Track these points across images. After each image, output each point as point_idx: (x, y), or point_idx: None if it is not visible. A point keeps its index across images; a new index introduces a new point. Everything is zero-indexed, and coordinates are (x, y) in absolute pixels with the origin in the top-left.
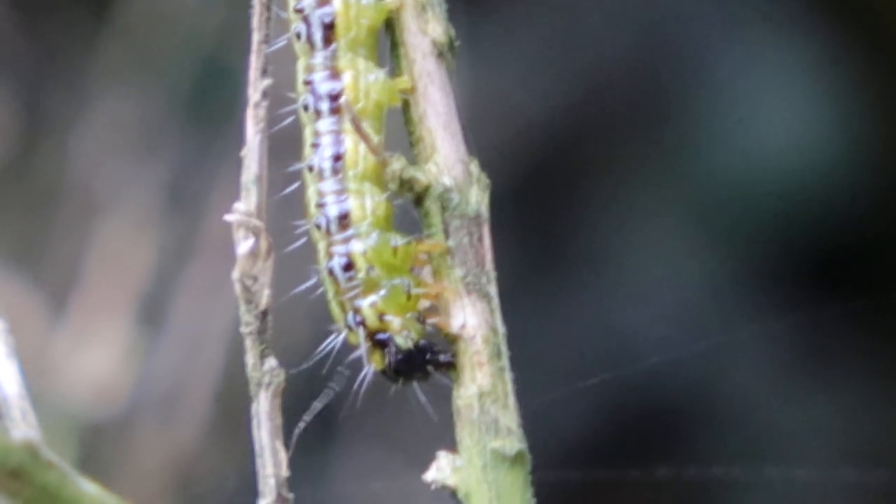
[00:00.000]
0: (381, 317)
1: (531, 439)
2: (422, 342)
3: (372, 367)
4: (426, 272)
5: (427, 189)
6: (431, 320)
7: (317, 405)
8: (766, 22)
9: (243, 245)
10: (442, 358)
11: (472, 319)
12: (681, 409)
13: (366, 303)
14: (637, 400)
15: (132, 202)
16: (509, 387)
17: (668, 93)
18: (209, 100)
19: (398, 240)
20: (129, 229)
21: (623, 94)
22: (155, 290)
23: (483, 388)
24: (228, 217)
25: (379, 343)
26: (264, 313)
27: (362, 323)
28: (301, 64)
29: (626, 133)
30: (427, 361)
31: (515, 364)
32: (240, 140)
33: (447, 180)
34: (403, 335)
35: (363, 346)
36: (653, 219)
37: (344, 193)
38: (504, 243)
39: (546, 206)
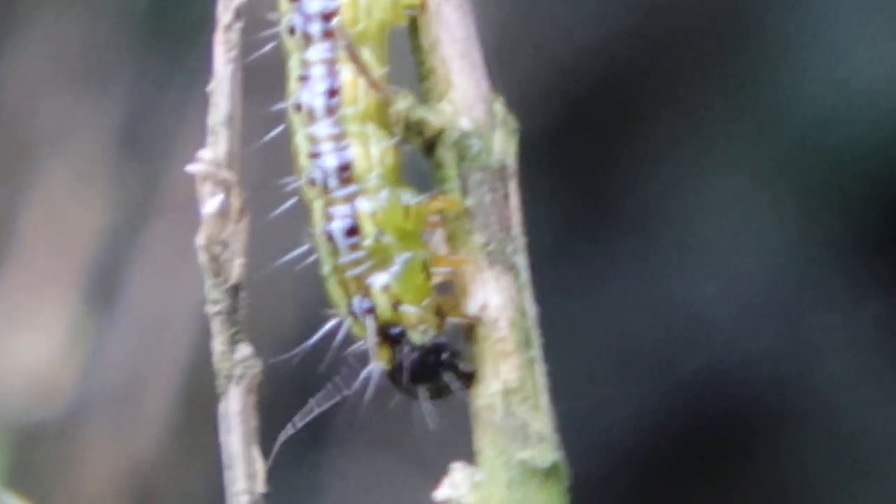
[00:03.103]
0: (395, 304)
1: (568, 450)
2: (439, 340)
3: (377, 366)
4: (438, 238)
5: (440, 134)
6: (454, 319)
7: (313, 406)
8: None
9: (210, 203)
10: (462, 366)
11: (496, 298)
12: (757, 411)
13: (377, 284)
14: (702, 401)
15: (76, 149)
16: (541, 382)
17: (743, 16)
18: (172, 19)
19: (411, 197)
20: (72, 183)
21: (688, 17)
22: (105, 258)
23: (509, 384)
24: (191, 168)
25: (388, 338)
26: (236, 288)
27: (371, 310)
28: None
29: (691, 65)
30: (444, 365)
31: (549, 355)
32: (209, 71)
33: (465, 123)
34: (420, 330)
35: (370, 339)
36: (724, 172)
37: (343, 138)
38: (535, 202)
39: (590, 155)
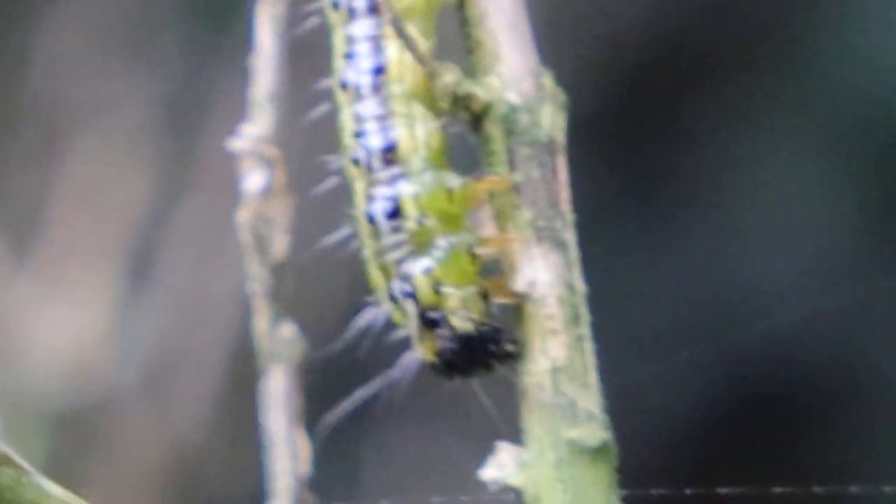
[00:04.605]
0: (437, 289)
1: (620, 428)
2: (483, 327)
3: (417, 353)
4: (485, 214)
5: (487, 108)
6: (500, 300)
7: (360, 394)
8: None
9: (252, 178)
10: (508, 347)
11: (544, 275)
12: (810, 383)
13: (419, 268)
14: (755, 375)
15: (114, 121)
16: (590, 360)
17: None
18: None
19: (455, 180)
20: (110, 156)
21: None
22: (144, 233)
23: (557, 361)
24: (233, 142)
25: (430, 324)
26: (279, 266)
27: (413, 295)
28: None
29: (744, 39)
30: (489, 352)
31: (600, 331)
32: (251, 43)
33: (513, 97)
34: (461, 315)
35: (412, 326)
36: (775, 144)
37: (389, 118)
38: (584, 178)
39: (640, 129)
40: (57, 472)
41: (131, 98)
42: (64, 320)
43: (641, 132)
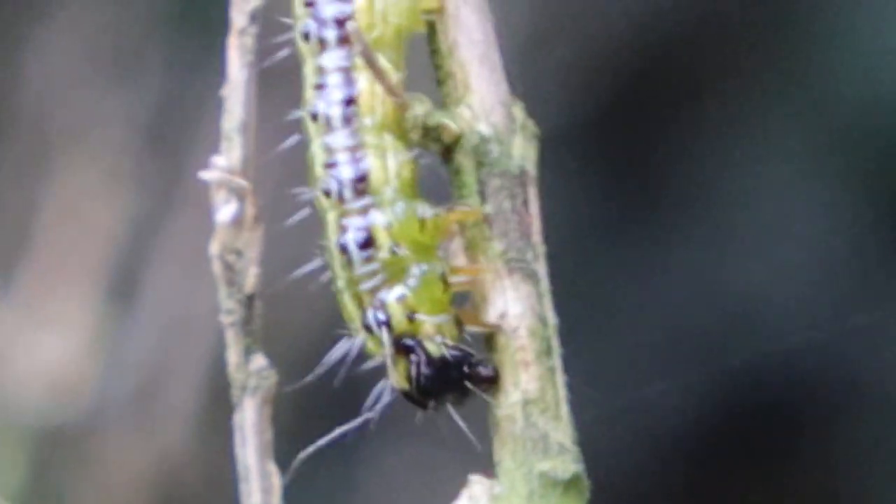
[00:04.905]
0: (411, 316)
1: (589, 462)
2: (455, 351)
3: (392, 384)
4: (456, 246)
5: (458, 139)
6: (474, 328)
7: (336, 432)
8: None
9: (224, 210)
10: (483, 371)
11: (515, 307)
12: (805, 406)
13: (392, 296)
14: (747, 397)
15: (99, 143)
16: (562, 392)
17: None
18: (199, 11)
19: (426, 210)
20: (94, 178)
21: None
22: (127, 255)
23: (529, 394)
24: (205, 174)
25: (404, 350)
26: (250, 298)
27: (387, 323)
28: None
29: (735, 50)
30: (463, 376)
31: (570, 363)
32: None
33: (484, 128)
34: (436, 341)
35: (387, 355)
36: (771, 161)
37: (360, 149)
38: (558, 207)
39: (617, 156)
40: (40, 491)
41: (116, 118)
42: (48, 339)
43: (618, 159)
